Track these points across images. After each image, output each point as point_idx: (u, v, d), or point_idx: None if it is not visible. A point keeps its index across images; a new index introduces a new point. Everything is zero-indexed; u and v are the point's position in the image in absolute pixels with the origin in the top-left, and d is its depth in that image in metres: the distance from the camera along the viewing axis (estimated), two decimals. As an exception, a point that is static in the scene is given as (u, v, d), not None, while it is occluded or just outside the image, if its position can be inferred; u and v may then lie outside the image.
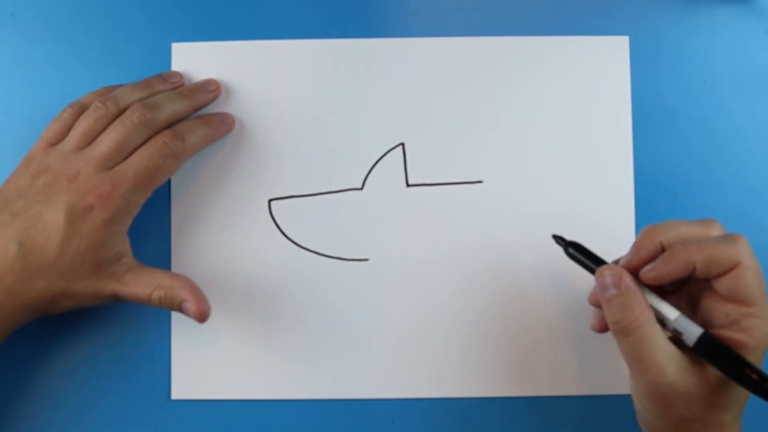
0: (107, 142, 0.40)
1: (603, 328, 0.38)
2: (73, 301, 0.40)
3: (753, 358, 0.34)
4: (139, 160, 0.41)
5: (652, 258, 0.36)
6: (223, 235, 0.45)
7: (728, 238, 0.35)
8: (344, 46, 0.46)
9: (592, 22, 0.46)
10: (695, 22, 0.46)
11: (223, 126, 0.44)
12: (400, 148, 0.45)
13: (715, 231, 0.36)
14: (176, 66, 0.46)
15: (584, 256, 0.39)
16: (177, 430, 0.44)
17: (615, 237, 0.44)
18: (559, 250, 0.40)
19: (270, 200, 0.45)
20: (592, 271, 0.38)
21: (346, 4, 0.46)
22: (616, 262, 0.38)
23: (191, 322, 0.44)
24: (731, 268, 0.34)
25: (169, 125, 0.42)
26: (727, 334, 0.34)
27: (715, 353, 0.34)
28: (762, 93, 0.46)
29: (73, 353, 0.44)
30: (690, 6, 0.46)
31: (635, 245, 0.37)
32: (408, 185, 0.45)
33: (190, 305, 0.41)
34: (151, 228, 0.44)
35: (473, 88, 0.46)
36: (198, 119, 0.44)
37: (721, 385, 0.34)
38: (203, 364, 0.44)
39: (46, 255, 0.39)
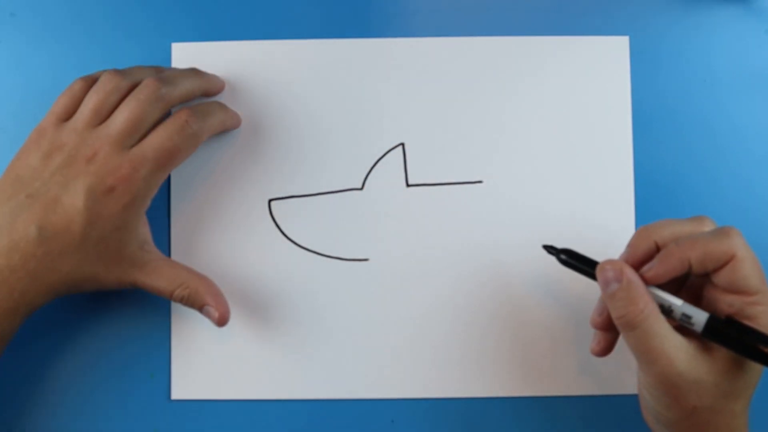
0: (122, 119, 0.39)
1: (603, 325, 0.39)
2: (95, 285, 0.40)
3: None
4: (159, 141, 0.40)
5: (647, 257, 0.36)
6: (223, 235, 0.45)
7: (720, 232, 0.35)
8: (344, 46, 0.46)
9: (592, 22, 0.46)
10: (695, 22, 0.46)
11: (236, 117, 0.44)
12: (400, 148, 0.46)
13: (708, 227, 0.36)
14: (176, 66, 0.46)
15: (578, 261, 0.39)
16: (177, 430, 0.44)
17: (615, 237, 0.44)
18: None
19: (270, 200, 0.45)
20: (589, 275, 0.38)
21: (346, 4, 0.46)
22: None
23: (191, 322, 0.44)
24: (727, 261, 0.34)
25: (182, 103, 0.42)
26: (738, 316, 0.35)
27: (725, 333, 0.34)
28: (762, 93, 0.46)
29: (73, 353, 0.44)
30: (690, 6, 0.47)
31: (630, 246, 0.37)
32: (408, 185, 0.45)
33: (213, 311, 0.41)
34: (151, 228, 0.44)
35: (473, 88, 0.46)
36: (215, 102, 0.44)
37: (730, 370, 0.34)
38: (203, 364, 0.44)
39: (68, 240, 0.38)
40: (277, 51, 0.46)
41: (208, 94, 0.44)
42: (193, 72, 0.44)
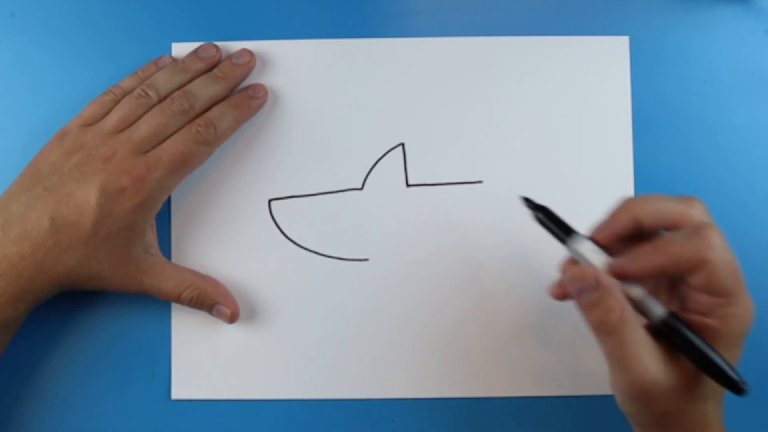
0: (145, 126, 0.41)
1: (562, 296, 0.38)
2: (98, 284, 0.41)
3: (726, 344, 0.34)
4: (174, 145, 0.41)
5: (625, 232, 0.35)
6: (223, 235, 0.45)
7: (694, 234, 0.34)
8: (344, 46, 0.46)
9: (592, 22, 0.46)
10: (695, 22, 0.46)
11: (253, 103, 0.44)
12: (400, 148, 0.46)
13: (695, 210, 0.35)
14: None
15: (554, 224, 0.37)
16: (177, 430, 0.44)
17: (615, 237, 0.44)
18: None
19: (270, 200, 0.45)
20: (561, 240, 0.37)
21: (346, 4, 0.46)
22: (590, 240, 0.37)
23: (191, 322, 0.44)
24: (700, 265, 0.33)
25: (207, 109, 0.43)
26: (701, 319, 0.34)
27: (677, 335, 0.34)
28: (762, 93, 0.46)
29: (73, 353, 0.44)
30: (690, 6, 0.47)
31: (611, 215, 0.36)
32: (408, 185, 0.45)
33: (225, 309, 0.43)
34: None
35: (473, 88, 0.46)
36: (228, 103, 0.44)
37: (699, 374, 0.34)
38: (203, 364, 0.44)
39: (78, 233, 0.39)
40: (277, 51, 0.46)
41: (234, 89, 0.45)
42: (216, 78, 0.44)
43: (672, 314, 0.34)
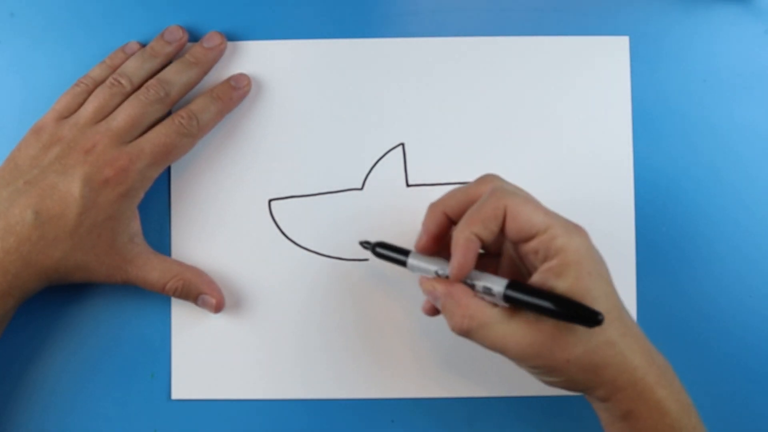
0: (123, 116, 0.41)
1: (432, 311, 0.39)
2: (85, 276, 0.41)
3: (576, 275, 0.34)
4: (157, 136, 0.41)
5: (443, 230, 0.38)
6: (223, 235, 0.45)
7: (489, 195, 0.35)
8: (344, 46, 0.46)
9: (592, 22, 0.46)
10: (695, 22, 0.46)
11: (235, 94, 0.44)
12: (400, 148, 0.46)
13: (488, 183, 0.37)
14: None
15: (391, 252, 0.40)
16: (177, 430, 0.44)
17: (615, 238, 0.44)
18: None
19: (270, 200, 0.45)
20: (402, 263, 0.39)
21: (346, 4, 0.46)
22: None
23: (191, 323, 0.44)
24: (503, 214, 0.35)
25: (183, 95, 0.43)
26: (546, 266, 0.35)
27: (519, 298, 0.34)
28: (762, 93, 0.46)
29: (73, 353, 0.44)
30: (690, 6, 0.47)
31: (424, 222, 0.38)
32: (408, 185, 0.45)
33: (210, 299, 0.43)
34: (151, 227, 0.44)
35: (473, 88, 0.46)
36: (210, 95, 0.44)
37: (565, 325, 0.34)
38: (203, 364, 0.44)
39: (63, 226, 0.39)
40: (277, 51, 0.46)
41: (207, 72, 0.45)
42: (189, 63, 0.44)
43: (511, 282, 0.35)
